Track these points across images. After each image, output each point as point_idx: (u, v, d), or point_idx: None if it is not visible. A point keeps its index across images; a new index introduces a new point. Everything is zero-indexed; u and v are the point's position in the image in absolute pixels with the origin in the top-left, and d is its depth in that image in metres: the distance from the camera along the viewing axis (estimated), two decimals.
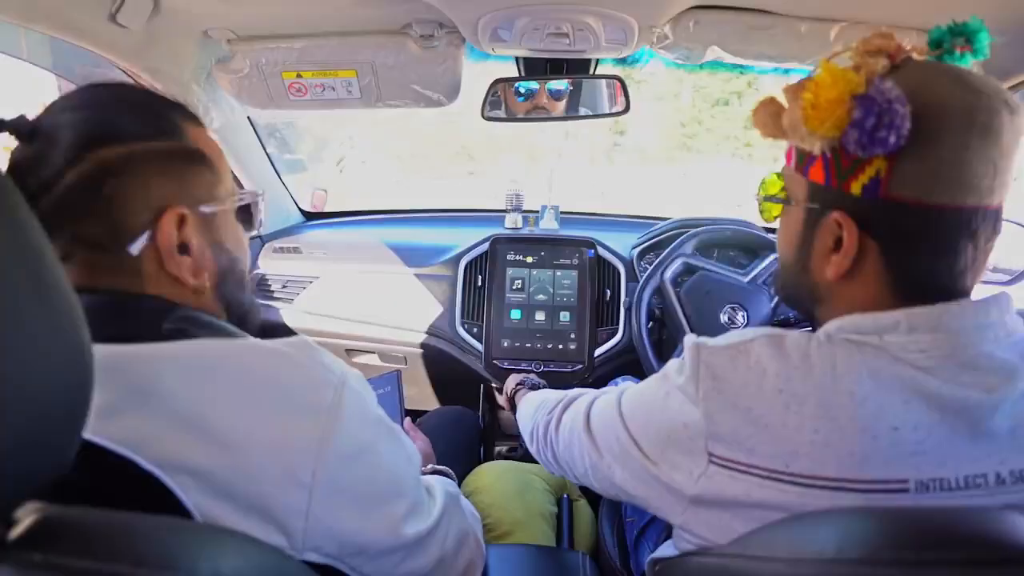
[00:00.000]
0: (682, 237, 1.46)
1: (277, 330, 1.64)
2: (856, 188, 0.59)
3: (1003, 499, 0.55)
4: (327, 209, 2.01)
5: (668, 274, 1.40)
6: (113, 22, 0.97)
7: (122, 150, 0.56)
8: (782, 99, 0.62)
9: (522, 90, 1.38)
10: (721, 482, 0.60)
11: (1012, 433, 0.55)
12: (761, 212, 0.74)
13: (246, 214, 0.70)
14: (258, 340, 0.56)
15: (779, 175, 0.70)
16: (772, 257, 1.41)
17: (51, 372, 0.37)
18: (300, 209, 1.93)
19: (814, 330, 0.64)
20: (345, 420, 0.55)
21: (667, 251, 1.44)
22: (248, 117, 1.48)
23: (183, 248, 0.60)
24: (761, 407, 0.58)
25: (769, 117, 0.63)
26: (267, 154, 1.65)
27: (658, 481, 0.65)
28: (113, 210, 0.57)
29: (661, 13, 1.04)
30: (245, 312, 0.71)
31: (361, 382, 0.59)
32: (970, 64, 0.62)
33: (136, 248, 0.57)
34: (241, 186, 0.70)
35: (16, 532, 0.36)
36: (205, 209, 0.62)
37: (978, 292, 0.61)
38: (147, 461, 0.46)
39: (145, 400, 0.48)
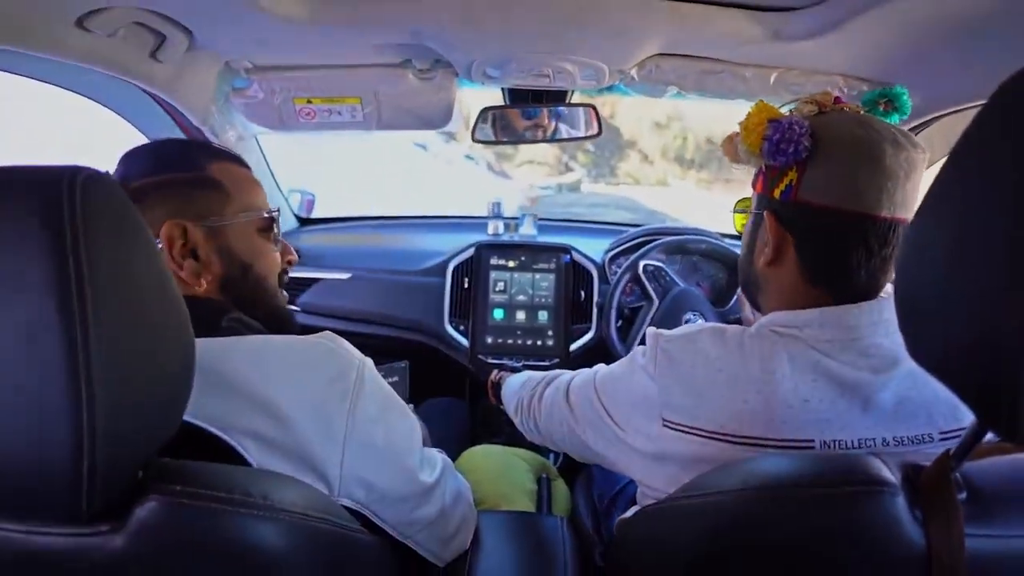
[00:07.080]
0: (654, 243, 1.58)
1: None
2: (777, 193, 0.73)
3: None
4: (315, 215, 2.09)
5: (641, 265, 1.54)
6: (153, 59, 1.09)
7: (136, 185, 0.71)
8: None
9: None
10: (672, 441, 0.71)
11: (895, 408, 0.67)
12: (734, 222, 0.90)
13: (265, 228, 0.80)
14: (296, 336, 0.67)
15: (747, 198, 0.87)
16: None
17: (174, 364, 0.47)
18: (295, 215, 2.02)
19: None
20: (366, 391, 0.67)
21: (640, 251, 1.56)
22: (255, 137, 1.59)
23: (193, 254, 0.72)
24: (704, 383, 0.70)
25: (731, 145, 0.80)
26: (269, 168, 1.77)
27: (624, 443, 0.78)
28: None
29: (628, 61, 1.19)
30: (281, 318, 0.82)
31: (373, 366, 0.71)
32: (897, 121, 0.76)
33: None
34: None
35: (152, 475, 0.47)
36: (208, 223, 0.73)
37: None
38: (214, 428, 0.56)
39: (212, 381, 0.57)
